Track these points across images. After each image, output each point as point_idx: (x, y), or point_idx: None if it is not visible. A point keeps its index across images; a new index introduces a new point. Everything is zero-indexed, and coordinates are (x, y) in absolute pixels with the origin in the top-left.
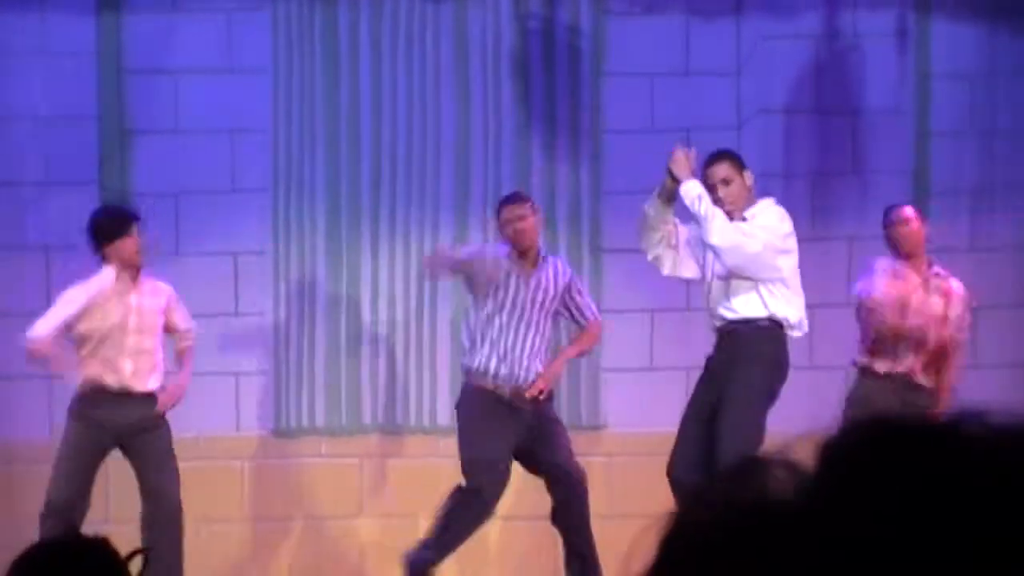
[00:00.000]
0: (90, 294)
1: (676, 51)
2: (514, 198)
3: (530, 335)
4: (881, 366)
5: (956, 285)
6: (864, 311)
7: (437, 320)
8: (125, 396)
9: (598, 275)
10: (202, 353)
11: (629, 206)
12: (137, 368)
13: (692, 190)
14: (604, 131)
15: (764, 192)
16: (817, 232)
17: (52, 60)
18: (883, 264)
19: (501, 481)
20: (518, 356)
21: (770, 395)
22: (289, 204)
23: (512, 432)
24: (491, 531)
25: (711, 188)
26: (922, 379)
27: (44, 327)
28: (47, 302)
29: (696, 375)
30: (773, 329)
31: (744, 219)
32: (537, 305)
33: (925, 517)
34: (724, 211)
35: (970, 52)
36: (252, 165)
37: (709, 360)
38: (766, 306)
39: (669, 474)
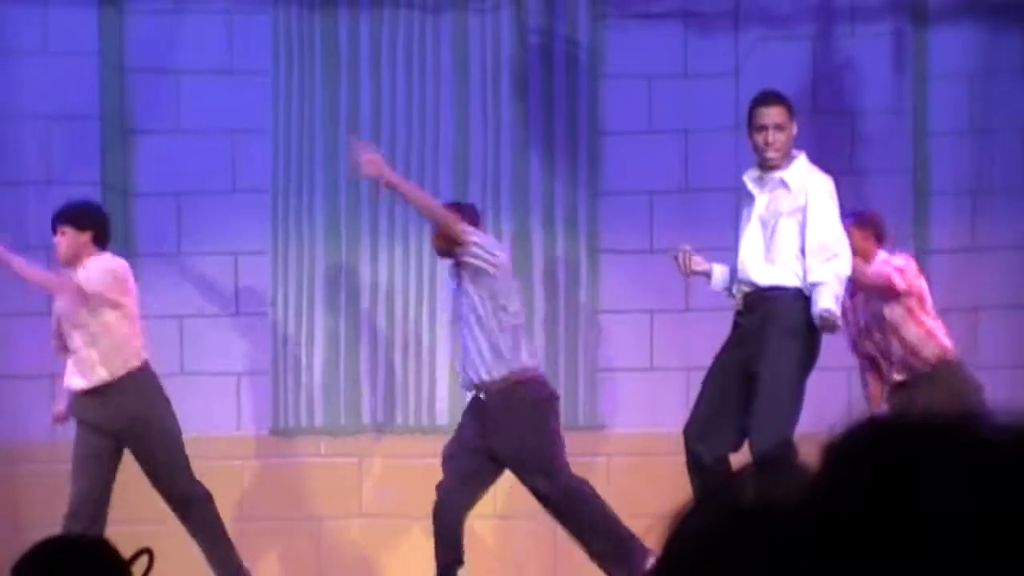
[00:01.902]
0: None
1: (674, 53)
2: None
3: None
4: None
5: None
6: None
7: (436, 320)
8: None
9: (596, 276)
10: (202, 353)
11: (627, 207)
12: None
13: (831, 304)
14: (602, 133)
15: None
16: None
17: (54, 60)
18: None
19: None
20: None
21: (806, 367)
22: (288, 205)
23: None
24: (488, 530)
25: (760, 128)
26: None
27: None
28: (47, 303)
29: (695, 375)
30: (805, 299)
31: (784, 183)
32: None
33: (929, 518)
34: (766, 157)
35: (968, 52)
36: (252, 166)
37: (737, 321)
38: (800, 276)
39: (686, 432)
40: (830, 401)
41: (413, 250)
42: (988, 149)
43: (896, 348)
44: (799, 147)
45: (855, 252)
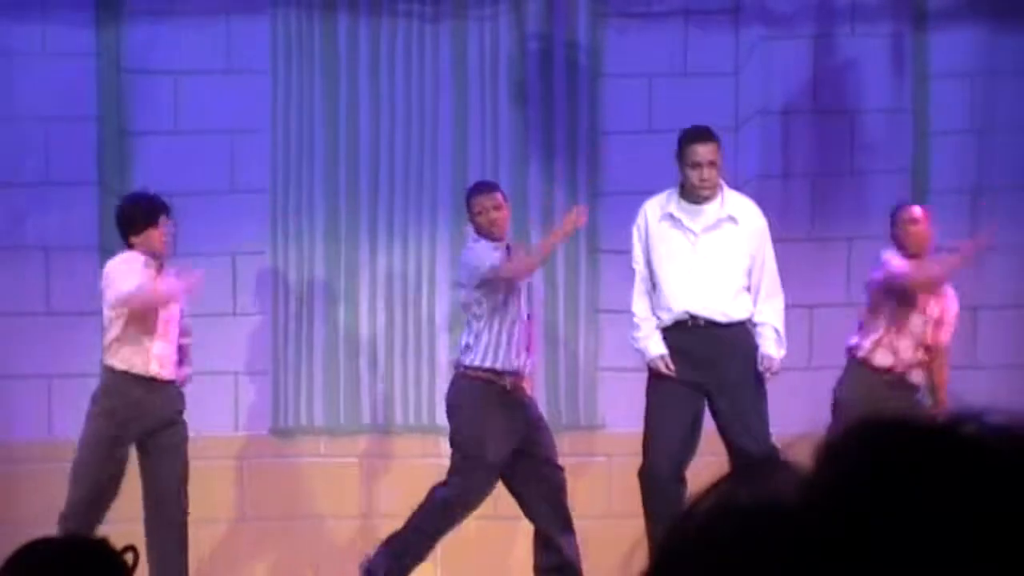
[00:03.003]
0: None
1: (674, 52)
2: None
3: None
4: (882, 360)
5: (950, 289)
6: (890, 293)
7: (435, 320)
8: (154, 383)
9: (596, 276)
10: (201, 353)
11: (627, 207)
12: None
13: (772, 350)
14: (602, 132)
15: (764, 194)
16: (816, 232)
17: (52, 61)
18: (895, 255)
19: None
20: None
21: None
22: (287, 205)
23: None
24: (487, 530)
25: (695, 165)
26: (915, 377)
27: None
28: (46, 302)
29: None
30: (750, 328)
31: (732, 219)
32: None
33: (925, 519)
34: (700, 194)
35: (968, 52)
36: (251, 166)
37: (680, 347)
38: (749, 309)
39: (647, 473)
40: (827, 401)
41: (412, 249)
42: (988, 149)
43: (941, 350)
44: (797, 149)
45: (919, 247)
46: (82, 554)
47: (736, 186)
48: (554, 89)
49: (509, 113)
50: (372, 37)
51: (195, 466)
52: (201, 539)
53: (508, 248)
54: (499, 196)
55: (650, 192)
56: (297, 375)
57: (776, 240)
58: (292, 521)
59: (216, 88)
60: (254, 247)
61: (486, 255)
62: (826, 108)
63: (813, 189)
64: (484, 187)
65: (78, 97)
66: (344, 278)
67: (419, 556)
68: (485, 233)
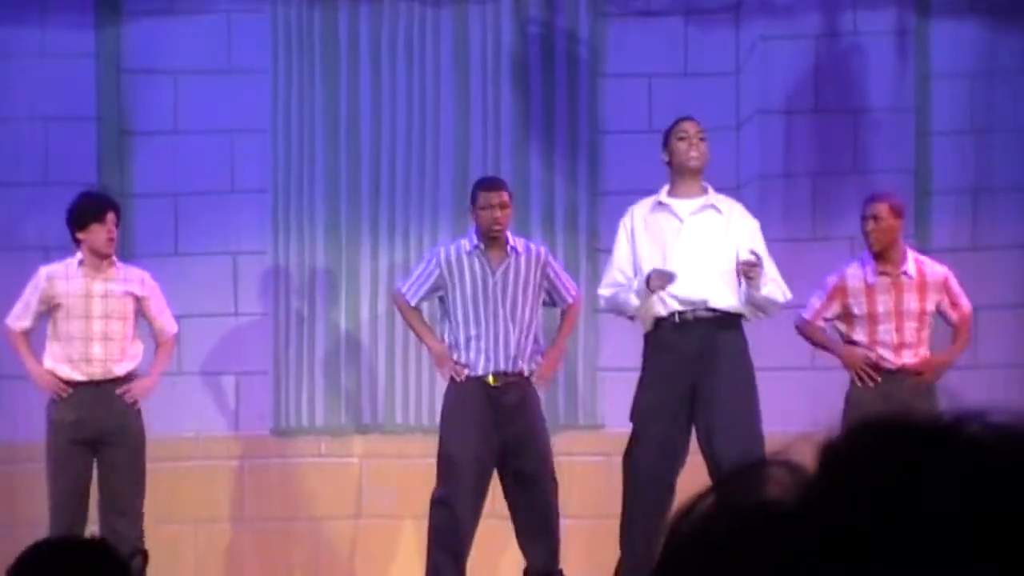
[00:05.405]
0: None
1: (675, 51)
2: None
3: None
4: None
5: (932, 272)
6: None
7: (435, 320)
8: (93, 384)
9: (595, 275)
10: (202, 353)
11: (627, 207)
12: (106, 354)
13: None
14: (602, 132)
15: (765, 194)
16: (818, 232)
17: (51, 61)
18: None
19: None
20: None
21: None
22: (288, 204)
23: None
24: (488, 530)
25: (684, 137)
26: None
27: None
28: None
29: None
30: (741, 321)
31: (715, 207)
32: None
33: (926, 519)
34: (691, 167)
35: (970, 51)
36: (251, 166)
37: (671, 341)
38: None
39: (645, 477)
40: (827, 401)
41: (414, 249)
42: (989, 149)
43: (910, 337)
44: (799, 148)
45: (887, 240)
46: (83, 554)
47: (737, 186)
48: (555, 88)
49: (509, 113)
50: (372, 32)
51: (196, 466)
52: (201, 539)
53: (513, 248)
54: (505, 195)
55: (650, 192)
56: (298, 375)
57: (778, 240)
58: (292, 521)
59: (216, 87)
60: (255, 247)
61: (410, 276)
62: (828, 107)
63: (815, 189)
64: (492, 183)
65: (78, 97)
66: (345, 277)
67: None
68: (484, 230)
